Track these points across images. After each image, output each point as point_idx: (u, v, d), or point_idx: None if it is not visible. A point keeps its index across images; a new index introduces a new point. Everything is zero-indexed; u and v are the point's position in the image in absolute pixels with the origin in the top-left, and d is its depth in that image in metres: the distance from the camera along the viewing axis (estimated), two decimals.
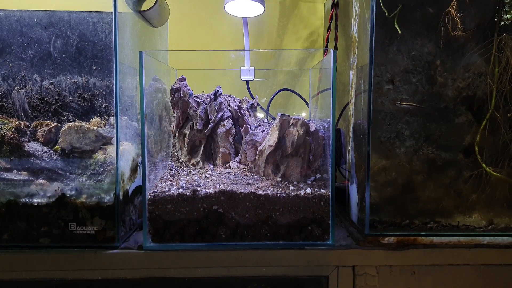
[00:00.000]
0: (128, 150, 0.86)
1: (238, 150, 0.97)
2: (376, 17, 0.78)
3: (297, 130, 0.85)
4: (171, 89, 0.97)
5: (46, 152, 0.82)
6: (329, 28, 1.15)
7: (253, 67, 1.15)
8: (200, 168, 0.96)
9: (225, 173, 0.91)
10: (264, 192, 0.80)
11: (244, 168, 0.93)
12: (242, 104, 1.04)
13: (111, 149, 0.82)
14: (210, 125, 0.96)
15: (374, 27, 0.78)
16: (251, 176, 0.89)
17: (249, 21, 1.27)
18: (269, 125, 0.98)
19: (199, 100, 0.97)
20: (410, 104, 0.80)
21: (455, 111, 0.85)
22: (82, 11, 0.85)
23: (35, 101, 0.85)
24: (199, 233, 0.80)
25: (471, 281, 0.82)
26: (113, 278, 0.79)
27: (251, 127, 0.95)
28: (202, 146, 0.98)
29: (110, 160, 0.80)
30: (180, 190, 0.80)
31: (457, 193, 0.86)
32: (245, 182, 0.85)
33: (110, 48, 0.81)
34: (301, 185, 0.84)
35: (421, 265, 0.81)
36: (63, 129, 0.81)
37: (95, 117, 0.84)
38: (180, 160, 1.00)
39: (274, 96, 1.18)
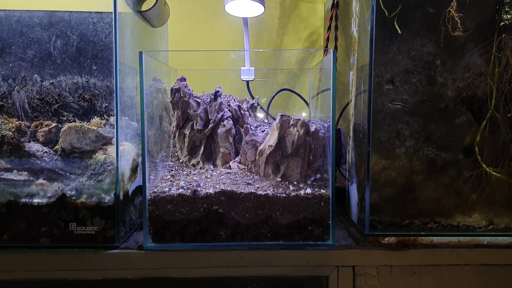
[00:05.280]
0: (128, 150, 0.86)
1: (238, 150, 0.97)
2: (376, 17, 0.78)
3: (297, 130, 0.85)
4: (171, 89, 0.97)
5: (46, 152, 0.82)
6: (329, 28, 1.15)
7: (253, 67, 1.15)
8: (200, 168, 0.96)
9: (225, 173, 0.91)
10: (264, 192, 0.80)
11: (244, 168, 0.93)
12: (242, 104, 1.04)
13: (111, 149, 0.82)
14: (210, 125, 0.96)
15: (374, 27, 0.78)
16: (251, 176, 0.89)
17: (249, 21, 1.27)
18: (269, 125, 0.98)
19: (199, 100, 0.97)
20: (399, 104, 0.81)
21: (455, 111, 0.85)
22: (82, 11, 0.85)
23: (35, 101, 0.85)
24: (199, 233, 0.80)
25: (471, 281, 0.82)
26: (113, 278, 0.79)
27: (251, 127, 0.95)
28: (202, 146, 0.98)
29: (110, 160, 0.80)
30: (180, 190, 0.80)
31: (457, 193, 0.86)
32: (245, 182, 0.85)
33: (110, 48, 0.81)
34: (301, 185, 0.84)
35: (421, 265, 0.81)
36: (63, 129, 0.81)
37: (95, 117, 0.84)
38: (180, 160, 1.00)
39: (274, 96, 1.18)
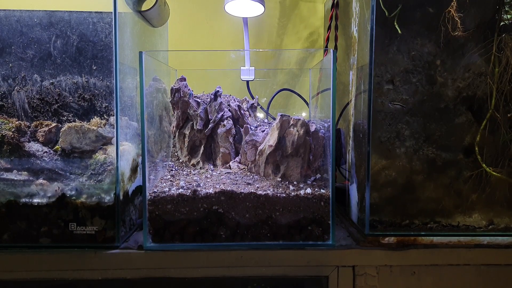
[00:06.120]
0: (128, 150, 0.86)
1: (238, 150, 0.97)
2: (376, 17, 0.78)
3: (297, 130, 0.85)
4: (171, 89, 0.97)
5: (46, 152, 0.82)
6: (329, 28, 1.15)
7: (253, 67, 1.15)
8: (200, 168, 0.96)
9: (225, 173, 0.91)
10: (264, 192, 0.80)
11: (244, 168, 0.93)
12: (242, 104, 1.04)
13: (111, 149, 0.82)
14: (210, 125, 0.96)
15: (374, 27, 0.78)
16: (251, 176, 0.89)
17: (249, 21, 1.27)
18: (269, 125, 0.98)
19: (199, 100, 0.97)
20: (398, 104, 0.81)
21: (455, 111, 0.85)
22: (82, 11, 0.85)
23: (35, 101, 0.85)
24: (199, 233, 0.80)
25: (471, 281, 0.82)
26: (113, 278, 0.79)
27: (251, 127, 0.95)
28: (202, 146, 0.98)
29: (110, 160, 0.80)
30: (180, 190, 0.80)
31: (457, 193, 0.86)
32: (245, 182, 0.85)
33: (110, 48, 0.81)
34: (301, 185, 0.84)
35: (421, 265, 0.81)
36: (63, 129, 0.81)
37: (95, 117, 0.84)
38: (180, 160, 1.00)
39: (274, 96, 1.18)
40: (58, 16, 0.84)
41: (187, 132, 0.99)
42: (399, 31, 0.80)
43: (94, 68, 0.84)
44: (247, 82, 1.18)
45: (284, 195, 0.80)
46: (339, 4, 1.13)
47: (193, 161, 0.98)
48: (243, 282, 0.82)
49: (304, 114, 1.21)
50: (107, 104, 0.85)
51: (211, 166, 0.97)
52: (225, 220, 0.80)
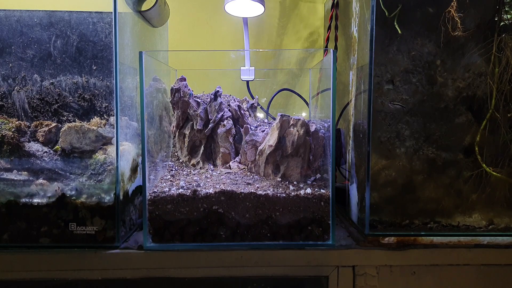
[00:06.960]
0: (128, 150, 0.86)
1: (238, 150, 0.97)
2: (376, 17, 0.78)
3: (297, 130, 0.85)
4: (171, 89, 0.97)
5: (46, 152, 0.82)
6: (329, 28, 1.15)
7: (253, 67, 1.15)
8: (200, 168, 0.96)
9: (225, 173, 0.91)
10: (264, 192, 0.80)
11: (244, 168, 0.93)
12: (242, 104, 1.04)
13: (111, 149, 0.82)
14: (210, 125, 0.96)
15: (374, 27, 0.78)
16: (251, 176, 0.89)
17: (249, 21, 1.27)
18: (269, 125, 0.98)
19: (199, 100, 0.97)
20: (398, 104, 0.81)
21: (455, 111, 0.85)
22: (82, 11, 0.85)
23: (35, 101, 0.85)
24: (199, 233, 0.80)
25: (471, 281, 0.82)
26: (113, 278, 0.79)
27: (251, 127, 0.95)
28: (202, 146, 0.98)
29: (110, 160, 0.80)
30: (180, 190, 0.80)
31: (457, 193, 0.86)
32: (245, 182, 0.85)
33: (110, 48, 0.81)
34: (301, 185, 0.84)
35: (421, 265, 0.81)
36: (63, 129, 0.81)
37: (95, 117, 0.84)
38: (180, 160, 1.00)
39: (274, 96, 1.18)
40: (58, 16, 0.84)
41: (187, 132, 0.99)
42: (399, 31, 0.80)
43: (94, 68, 0.84)
44: (247, 82, 1.18)
45: (284, 195, 0.80)
46: (339, 4, 1.13)
47: (193, 161, 0.98)
48: (243, 282, 0.82)
49: (304, 114, 1.21)
50: (107, 104, 0.85)
51: (211, 166, 0.97)
52: (225, 220, 0.80)
